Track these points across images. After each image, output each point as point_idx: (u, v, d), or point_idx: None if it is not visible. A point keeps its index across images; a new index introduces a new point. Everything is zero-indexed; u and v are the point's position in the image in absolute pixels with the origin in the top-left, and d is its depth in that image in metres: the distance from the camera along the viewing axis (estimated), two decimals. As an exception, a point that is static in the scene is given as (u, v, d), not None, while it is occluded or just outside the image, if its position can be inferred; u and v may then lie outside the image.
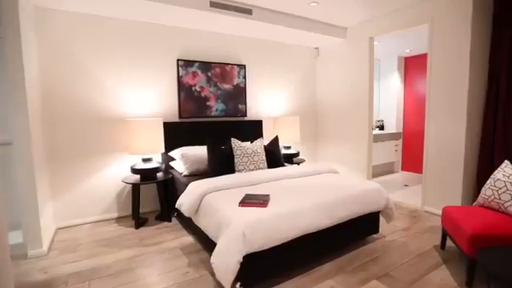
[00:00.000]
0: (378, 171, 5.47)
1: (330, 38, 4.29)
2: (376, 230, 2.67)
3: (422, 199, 3.51)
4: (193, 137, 3.69)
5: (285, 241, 1.91)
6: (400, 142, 5.69)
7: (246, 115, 4.19)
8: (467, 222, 2.02)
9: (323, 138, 4.99)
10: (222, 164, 3.05)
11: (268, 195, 2.18)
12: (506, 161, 2.30)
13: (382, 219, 2.95)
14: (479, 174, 3.15)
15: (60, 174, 3.06)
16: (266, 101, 4.45)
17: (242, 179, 2.62)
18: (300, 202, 2.11)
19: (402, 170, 5.80)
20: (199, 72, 3.76)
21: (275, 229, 1.85)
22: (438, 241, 2.66)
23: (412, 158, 5.59)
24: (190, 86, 3.71)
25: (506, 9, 2.92)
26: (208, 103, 3.86)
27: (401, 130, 5.74)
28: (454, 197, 3.19)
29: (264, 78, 4.41)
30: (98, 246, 2.67)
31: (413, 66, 5.54)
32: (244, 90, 4.14)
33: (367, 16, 3.85)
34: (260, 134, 4.30)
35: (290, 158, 4.12)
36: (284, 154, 4.06)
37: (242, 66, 4.10)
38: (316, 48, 4.91)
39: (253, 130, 4.22)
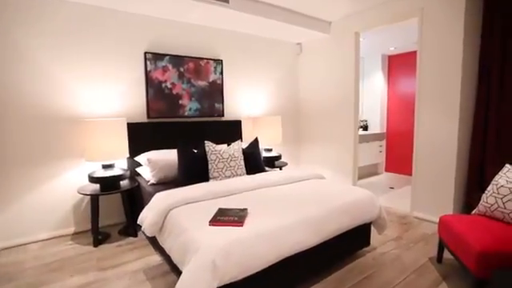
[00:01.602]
0: (362, 173, 5.26)
1: (313, 33, 4.01)
2: (367, 242, 2.41)
3: (412, 204, 3.30)
4: (163, 139, 3.28)
5: (265, 266, 1.59)
6: (384, 142, 5.53)
7: (223, 115, 3.83)
8: (472, 235, 1.78)
9: (306, 139, 4.71)
10: (194, 171, 2.69)
11: (245, 209, 1.85)
12: (507, 165, 2.09)
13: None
14: (470, 175, 2.98)
15: (2, 185, 2.58)
16: (245, 99, 4.11)
17: (216, 189, 2.28)
18: (284, 216, 1.80)
19: (386, 171, 5.64)
20: (170, 67, 3.36)
21: (253, 253, 1.51)
22: (432, 252, 2.43)
23: (396, 159, 5.43)
24: (160, 83, 3.31)
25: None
26: (180, 102, 3.47)
27: (384, 131, 5.57)
28: (446, 201, 2.98)
29: (243, 75, 4.07)
30: (44, 271, 2.23)
31: (397, 64, 5.38)
32: (221, 87, 3.78)
33: (353, 9, 3.60)
34: (238, 136, 3.95)
35: (272, 162, 3.81)
36: (265, 158, 3.74)
37: (219, 61, 3.74)
38: (298, 43, 4.63)
39: (230, 131, 3.86)
